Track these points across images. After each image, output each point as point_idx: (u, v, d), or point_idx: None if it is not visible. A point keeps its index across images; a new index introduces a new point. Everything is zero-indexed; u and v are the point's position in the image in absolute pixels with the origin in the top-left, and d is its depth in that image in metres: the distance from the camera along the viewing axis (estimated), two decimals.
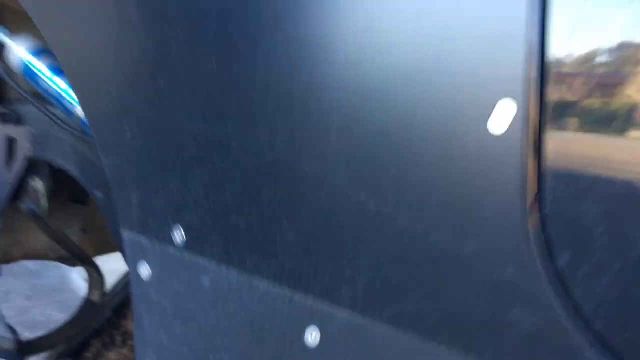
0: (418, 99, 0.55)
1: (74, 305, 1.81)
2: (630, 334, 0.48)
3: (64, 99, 1.24)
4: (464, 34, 0.52)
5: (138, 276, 0.86)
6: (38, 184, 1.47)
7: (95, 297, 1.74)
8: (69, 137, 1.30)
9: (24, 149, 1.39)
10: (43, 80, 1.26)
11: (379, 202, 0.60)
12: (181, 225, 0.81)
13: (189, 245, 0.80)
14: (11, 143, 1.39)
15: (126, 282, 1.93)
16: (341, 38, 0.59)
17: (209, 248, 0.78)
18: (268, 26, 0.64)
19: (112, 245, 1.76)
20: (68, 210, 1.62)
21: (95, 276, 1.72)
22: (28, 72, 1.27)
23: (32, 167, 1.43)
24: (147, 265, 0.85)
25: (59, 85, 1.25)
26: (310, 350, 0.69)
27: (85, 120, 1.21)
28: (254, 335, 0.74)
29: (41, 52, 1.28)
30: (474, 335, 0.56)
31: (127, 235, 0.87)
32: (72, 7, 0.86)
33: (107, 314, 1.88)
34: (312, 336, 0.69)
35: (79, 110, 1.23)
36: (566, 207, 0.50)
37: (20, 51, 1.28)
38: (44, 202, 1.48)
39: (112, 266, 1.80)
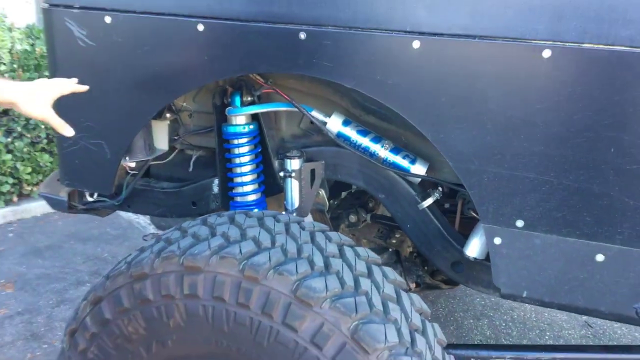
0: None
1: None
2: None
3: (368, 148, 2.18)
4: None
5: (492, 242, 1.88)
6: (323, 192, 2.41)
7: None
8: (356, 164, 2.25)
9: (320, 175, 2.32)
10: (353, 139, 2.18)
11: None
12: (522, 218, 1.83)
13: (526, 227, 1.83)
14: (313, 172, 2.31)
15: None
16: None
17: (539, 227, 1.81)
18: None
19: None
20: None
21: None
22: (341, 135, 2.19)
23: (322, 183, 2.37)
24: (499, 237, 1.87)
25: (363, 142, 2.18)
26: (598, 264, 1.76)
27: (388, 160, 2.16)
28: None
29: (347, 122, 2.19)
30: None
31: (485, 223, 1.88)
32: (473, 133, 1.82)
33: None
34: (598, 257, 1.75)
35: (381, 154, 2.17)
36: None
37: (335, 124, 2.18)
38: (325, 202, 2.44)
39: None
